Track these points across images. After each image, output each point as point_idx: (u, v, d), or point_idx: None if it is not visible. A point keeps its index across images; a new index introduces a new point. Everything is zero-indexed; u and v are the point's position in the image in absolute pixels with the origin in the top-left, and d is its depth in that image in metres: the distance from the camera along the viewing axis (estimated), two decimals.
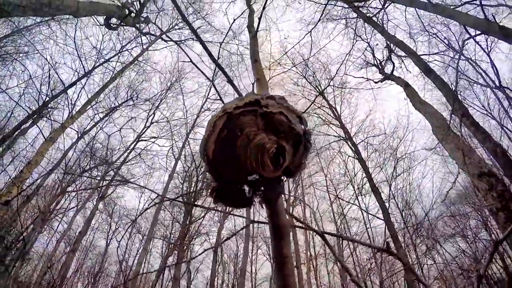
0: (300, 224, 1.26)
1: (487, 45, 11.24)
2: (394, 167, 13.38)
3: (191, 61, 1.82)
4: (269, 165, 0.65)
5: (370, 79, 11.76)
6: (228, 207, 0.84)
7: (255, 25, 2.39)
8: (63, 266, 11.74)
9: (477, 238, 15.07)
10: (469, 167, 5.46)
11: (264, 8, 2.19)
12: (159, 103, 14.64)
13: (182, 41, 10.36)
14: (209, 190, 0.77)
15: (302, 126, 0.76)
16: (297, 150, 0.73)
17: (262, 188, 0.76)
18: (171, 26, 11.12)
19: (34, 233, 10.54)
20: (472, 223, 15.95)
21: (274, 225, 0.74)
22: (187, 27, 11.22)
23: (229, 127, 0.70)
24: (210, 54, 1.49)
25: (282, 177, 0.77)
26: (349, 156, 13.57)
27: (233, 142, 0.70)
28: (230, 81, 1.48)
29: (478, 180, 5.37)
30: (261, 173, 0.70)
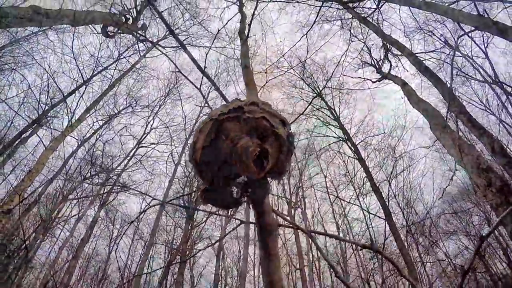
0: (287, 224, 1.30)
1: (483, 41, 11.28)
2: (393, 166, 13.39)
3: (179, 71, 1.87)
4: (252, 168, 0.69)
5: (368, 79, 11.75)
6: (218, 208, 0.87)
7: (246, 31, 2.43)
8: (66, 274, 11.75)
9: (480, 234, 15.00)
10: (467, 163, 5.48)
11: (253, 15, 2.24)
12: (158, 109, 14.73)
13: (178, 47, 10.42)
14: (199, 192, 0.81)
15: (286, 130, 0.79)
16: (281, 152, 0.77)
17: (249, 189, 0.80)
18: (167, 33, 11.18)
19: (36, 241, 10.55)
20: (475, 219, 15.92)
21: (261, 224, 0.78)
22: (184, 33, 11.31)
23: (215, 132, 0.75)
24: (196, 64, 1.54)
25: (268, 179, 0.81)
26: (349, 156, 13.55)
27: (219, 146, 0.74)
28: (217, 88, 1.52)
29: (476, 176, 5.37)
30: (246, 175, 0.74)
